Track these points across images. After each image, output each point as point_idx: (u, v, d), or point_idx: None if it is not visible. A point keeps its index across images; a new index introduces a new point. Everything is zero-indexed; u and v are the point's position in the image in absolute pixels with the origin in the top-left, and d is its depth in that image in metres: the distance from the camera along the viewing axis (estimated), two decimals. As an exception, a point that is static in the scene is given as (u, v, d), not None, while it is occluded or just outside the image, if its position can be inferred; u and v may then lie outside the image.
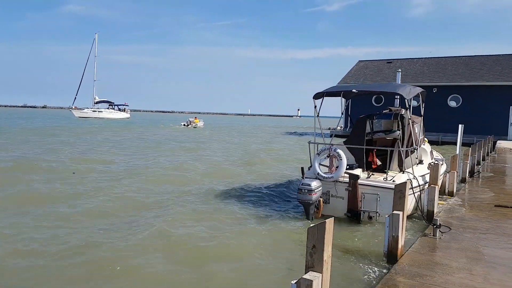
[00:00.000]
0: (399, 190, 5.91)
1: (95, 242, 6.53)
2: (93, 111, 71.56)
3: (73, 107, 71.93)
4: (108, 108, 75.49)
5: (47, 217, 7.96)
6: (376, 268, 5.78)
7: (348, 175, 8.01)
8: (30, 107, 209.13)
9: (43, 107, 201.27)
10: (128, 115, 78.57)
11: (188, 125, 51.24)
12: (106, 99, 75.89)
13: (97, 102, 74.09)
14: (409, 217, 7.95)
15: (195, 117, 55.75)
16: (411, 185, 7.72)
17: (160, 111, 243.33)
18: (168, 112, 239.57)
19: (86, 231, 7.17)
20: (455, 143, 14.62)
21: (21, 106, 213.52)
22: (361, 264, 5.99)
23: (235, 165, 16.74)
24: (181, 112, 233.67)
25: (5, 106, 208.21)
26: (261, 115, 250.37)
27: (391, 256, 5.68)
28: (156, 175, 13.24)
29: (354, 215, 7.99)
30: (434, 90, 32.56)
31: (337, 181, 8.11)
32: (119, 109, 77.20)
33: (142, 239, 6.77)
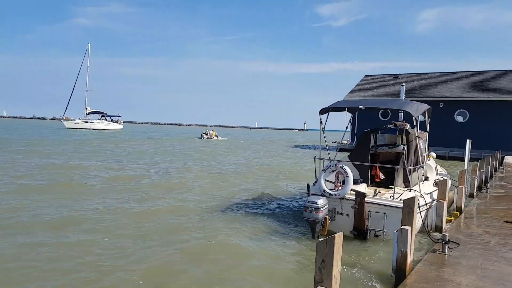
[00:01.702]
0: (408, 205, 5.89)
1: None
2: (85, 121, 70.17)
3: (64, 118, 70.61)
4: (100, 119, 74.04)
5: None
6: (384, 284, 5.73)
7: (354, 193, 7.91)
8: (39, 118, 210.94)
9: (52, 119, 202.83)
10: (121, 127, 77.05)
11: (210, 137, 53.19)
12: (98, 110, 74.30)
13: (89, 113, 72.71)
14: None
15: (213, 130, 58.11)
16: (418, 203, 7.64)
17: (167, 124, 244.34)
18: (176, 124, 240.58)
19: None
20: (462, 158, 14.57)
21: (30, 118, 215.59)
22: (369, 280, 5.94)
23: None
24: (189, 125, 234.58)
25: (14, 118, 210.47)
26: (267, 128, 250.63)
27: (400, 272, 5.62)
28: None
29: (360, 233, 7.87)
30: (441, 105, 32.53)
31: (343, 198, 8.01)
32: (112, 120, 75.70)
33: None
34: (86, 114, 72.43)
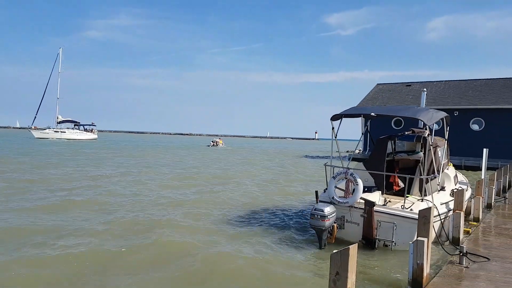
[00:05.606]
0: (423, 216, 5.74)
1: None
2: (55, 131, 66.17)
3: (33, 127, 67.18)
4: (73, 128, 70.03)
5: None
6: (400, 297, 5.57)
7: (364, 201, 7.73)
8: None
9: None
10: (95, 136, 72.53)
11: (216, 144, 60.92)
12: (70, 119, 70.03)
13: (60, 122, 68.59)
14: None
15: (219, 139, 66.32)
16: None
17: (178, 134, 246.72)
18: (186, 134, 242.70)
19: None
20: (478, 168, 14.29)
21: (44, 128, 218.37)
22: (384, 293, 5.78)
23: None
24: (199, 135, 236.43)
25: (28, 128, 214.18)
26: (278, 137, 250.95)
27: (416, 285, 5.46)
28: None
29: (368, 242, 7.68)
30: (456, 113, 32.04)
31: (352, 206, 7.86)
32: (85, 129, 71.54)
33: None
34: (57, 123, 68.31)
